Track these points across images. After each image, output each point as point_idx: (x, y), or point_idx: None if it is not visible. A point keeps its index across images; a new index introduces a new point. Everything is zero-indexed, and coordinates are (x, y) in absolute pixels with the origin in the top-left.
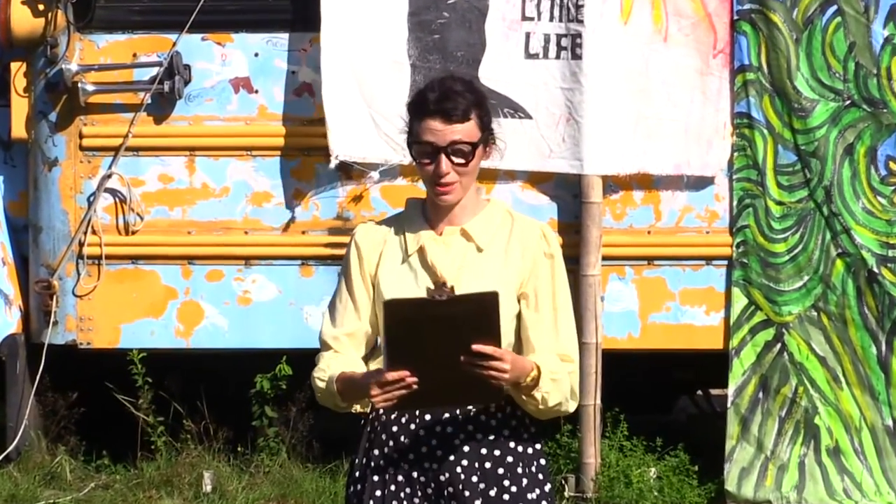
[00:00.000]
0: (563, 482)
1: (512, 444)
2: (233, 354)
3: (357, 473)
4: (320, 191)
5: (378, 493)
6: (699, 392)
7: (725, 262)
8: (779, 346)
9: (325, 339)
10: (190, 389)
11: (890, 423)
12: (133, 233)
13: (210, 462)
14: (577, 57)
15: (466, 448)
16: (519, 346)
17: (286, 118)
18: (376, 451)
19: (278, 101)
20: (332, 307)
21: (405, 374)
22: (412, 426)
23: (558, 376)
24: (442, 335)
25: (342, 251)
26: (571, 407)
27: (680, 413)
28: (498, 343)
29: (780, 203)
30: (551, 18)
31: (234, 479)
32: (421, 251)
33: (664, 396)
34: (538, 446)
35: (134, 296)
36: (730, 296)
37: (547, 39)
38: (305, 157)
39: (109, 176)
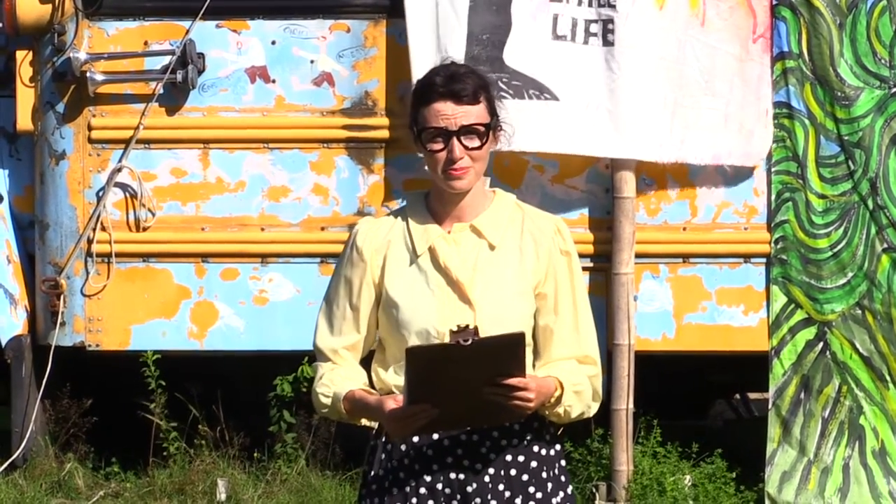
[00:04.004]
0: (594, 490)
1: (535, 448)
2: (249, 356)
3: (374, 486)
4: (340, 185)
5: None
6: (737, 396)
7: (764, 260)
8: (821, 345)
9: (324, 350)
10: (205, 393)
11: None
12: (144, 229)
13: (225, 469)
14: (609, 43)
15: (493, 456)
16: (535, 346)
17: (305, 109)
18: (395, 463)
19: (296, 92)
20: (328, 312)
21: (426, 407)
22: (435, 436)
23: (581, 387)
24: (465, 373)
25: None
26: (594, 410)
27: (716, 418)
28: (523, 375)
29: (822, 196)
30: (580, 2)
31: (249, 488)
32: (431, 251)
33: (700, 400)
34: (559, 447)
35: (145, 295)
36: (769, 294)
37: (575, 23)
38: (325, 149)
39: (119, 170)
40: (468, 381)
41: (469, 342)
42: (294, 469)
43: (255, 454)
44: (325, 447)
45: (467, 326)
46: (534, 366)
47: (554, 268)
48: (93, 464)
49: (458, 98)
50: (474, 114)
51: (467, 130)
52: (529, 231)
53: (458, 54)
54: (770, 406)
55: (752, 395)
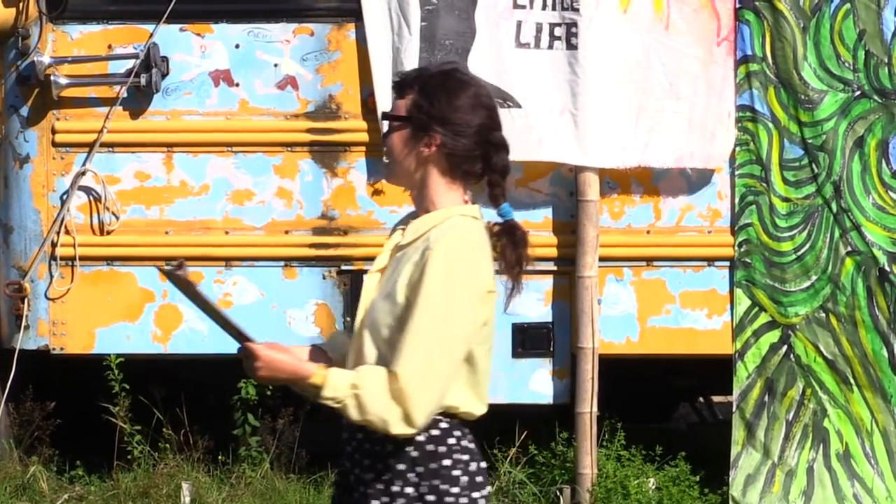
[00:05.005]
0: (558, 493)
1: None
2: (212, 360)
3: None
4: (304, 188)
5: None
6: (700, 399)
7: (728, 263)
8: (785, 348)
9: None
10: (169, 397)
11: None
12: (108, 233)
13: (189, 473)
14: (572, 47)
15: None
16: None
17: (268, 112)
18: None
19: (260, 95)
20: None
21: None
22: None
23: (364, 391)
24: (199, 303)
25: (327, 252)
26: (395, 430)
27: (680, 421)
28: (221, 322)
29: (785, 200)
30: (544, 6)
31: (213, 491)
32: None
33: (664, 403)
34: (413, 461)
35: (109, 299)
36: (733, 297)
37: (539, 28)
38: (289, 153)
39: (83, 173)
40: (211, 315)
41: (164, 268)
42: (258, 472)
43: (220, 457)
44: (290, 450)
45: (181, 263)
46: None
47: (415, 282)
48: (57, 467)
49: (395, 90)
50: (396, 105)
51: (384, 120)
52: (423, 241)
53: (411, 62)
54: (734, 409)
55: (716, 399)
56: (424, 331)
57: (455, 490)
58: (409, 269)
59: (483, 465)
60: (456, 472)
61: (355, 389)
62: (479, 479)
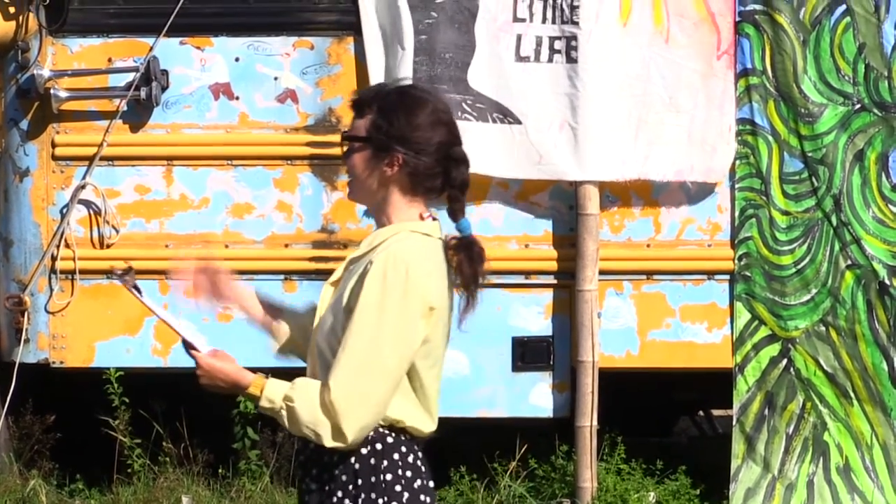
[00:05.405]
0: None
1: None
2: None
3: None
4: (304, 202)
5: None
6: (700, 412)
7: (728, 277)
8: (785, 361)
9: None
10: (169, 410)
11: None
12: (108, 246)
13: (189, 486)
14: (572, 60)
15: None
16: None
17: (268, 126)
18: None
19: (260, 108)
20: None
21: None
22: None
23: (298, 403)
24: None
25: (327, 265)
26: (327, 443)
27: (681, 435)
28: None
29: (785, 213)
30: (544, 20)
31: None
32: None
33: (664, 417)
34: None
35: (109, 312)
36: (733, 311)
37: (539, 42)
38: (289, 166)
39: (83, 187)
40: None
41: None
42: (258, 486)
43: (220, 471)
44: (290, 463)
45: (129, 269)
46: None
47: (356, 295)
48: (57, 481)
49: (353, 109)
50: (355, 126)
51: (345, 142)
52: (369, 255)
53: (405, 78)
54: (734, 422)
55: (716, 412)
56: (356, 345)
57: None
58: (353, 282)
59: (430, 483)
60: (398, 488)
61: (289, 402)
62: (422, 497)
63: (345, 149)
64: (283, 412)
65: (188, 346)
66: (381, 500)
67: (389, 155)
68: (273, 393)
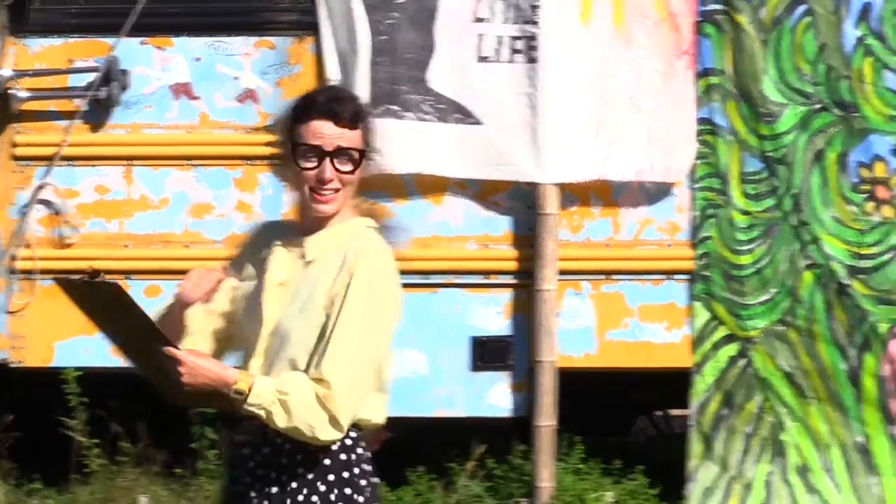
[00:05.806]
0: None
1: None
2: None
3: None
4: (264, 202)
5: None
6: (658, 412)
7: (687, 276)
8: (743, 361)
9: None
10: (127, 410)
11: (861, 439)
12: (68, 246)
13: (147, 486)
14: (532, 60)
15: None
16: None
17: (229, 126)
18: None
19: (220, 108)
20: None
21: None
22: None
23: (290, 398)
24: (115, 315)
25: None
26: (323, 436)
27: (639, 434)
28: (163, 339)
29: (745, 213)
30: (505, 20)
31: None
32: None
33: (622, 417)
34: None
35: (68, 312)
36: (692, 311)
37: (500, 42)
38: (249, 166)
39: (43, 187)
40: (123, 325)
41: (74, 279)
42: (217, 485)
43: (178, 471)
44: None
45: (98, 271)
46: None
47: (337, 295)
48: (15, 480)
49: (338, 119)
50: (351, 138)
51: (342, 153)
52: (343, 252)
53: (362, 79)
54: (692, 422)
55: (674, 412)
56: (352, 339)
57: (361, 500)
58: (327, 283)
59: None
60: (363, 482)
61: (282, 395)
62: (376, 492)
63: (346, 166)
64: (275, 407)
65: (165, 344)
66: (353, 495)
67: (367, 164)
68: (262, 387)
